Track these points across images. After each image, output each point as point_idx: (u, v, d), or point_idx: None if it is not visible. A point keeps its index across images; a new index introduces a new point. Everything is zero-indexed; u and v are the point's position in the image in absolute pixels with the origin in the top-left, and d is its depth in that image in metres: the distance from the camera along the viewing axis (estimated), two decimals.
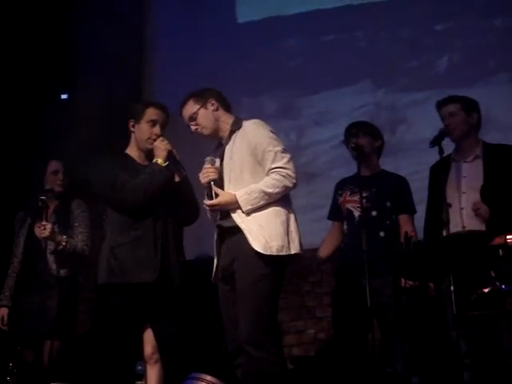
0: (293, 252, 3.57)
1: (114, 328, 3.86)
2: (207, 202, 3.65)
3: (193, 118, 3.78)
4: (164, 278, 3.80)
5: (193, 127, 3.79)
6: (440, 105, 4.22)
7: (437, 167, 4.22)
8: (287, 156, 3.60)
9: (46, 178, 4.66)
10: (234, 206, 3.58)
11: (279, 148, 3.61)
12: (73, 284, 4.49)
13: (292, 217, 3.64)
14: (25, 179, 5.01)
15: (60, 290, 4.36)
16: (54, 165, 4.68)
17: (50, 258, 4.47)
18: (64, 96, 6.31)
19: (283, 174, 3.56)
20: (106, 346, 3.94)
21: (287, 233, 3.58)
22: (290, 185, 3.58)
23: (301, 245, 3.62)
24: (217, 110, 3.77)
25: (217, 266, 3.73)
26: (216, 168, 3.71)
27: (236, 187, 3.62)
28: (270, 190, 3.55)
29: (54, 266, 4.46)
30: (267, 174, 3.59)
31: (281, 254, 3.54)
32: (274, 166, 3.57)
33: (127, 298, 3.78)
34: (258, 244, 3.52)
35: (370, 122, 4.53)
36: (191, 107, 3.78)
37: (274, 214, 3.59)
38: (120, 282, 3.79)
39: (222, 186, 3.67)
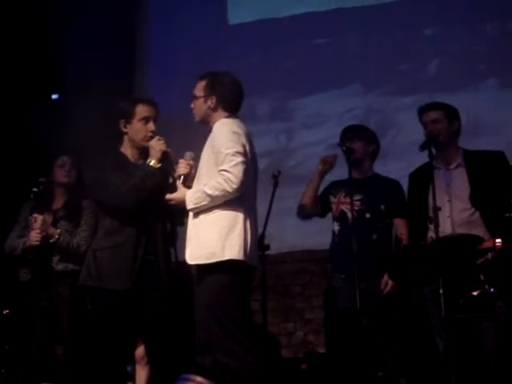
0: (226, 257, 3.46)
1: (93, 329, 3.86)
2: (166, 196, 3.67)
3: (194, 98, 3.77)
4: (148, 284, 3.80)
5: (191, 104, 3.79)
6: (422, 111, 4.21)
7: (418, 174, 4.24)
8: (236, 160, 3.48)
9: (54, 173, 4.63)
10: (184, 203, 3.59)
11: (230, 150, 3.50)
12: (69, 281, 4.44)
13: (241, 221, 3.53)
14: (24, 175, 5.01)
15: (57, 286, 4.40)
16: (61, 159, 4.67)
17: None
18: (54, 96, 6.29)
19: (225, 177, 3.46)
20: (95, 346, 3.93)
21: (226, 238, 3.48)
22: (230, 189, 3.46)
23: (245, 251, 3.49)
24: (214, 110, 3.71)
25: None
26: (189, 163, 3.71)
27: (198, 185, 3.62)
28: (210, 192, 3.49)
29: (54, 260, 4.46)
30: None
31: (210, 261, 3.48)
32: (220, 168, 3.49)
33: (101, 301, 3.79)
34: (188, 253, 3.55)
35: (366, 126, 4.54)
36: (198, 89, 3.76)
37: (216, 218, 3.52)
38: (94, 285, 3.80)
39: None
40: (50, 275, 4.44)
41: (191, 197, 3.56)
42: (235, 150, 3.52)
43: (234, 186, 3.47)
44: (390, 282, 4.12)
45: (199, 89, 3.76)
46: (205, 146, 3.68)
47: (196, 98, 3.76)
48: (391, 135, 5.55)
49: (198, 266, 3.56)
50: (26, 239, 4.45)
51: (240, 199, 3.54)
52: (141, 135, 3.90)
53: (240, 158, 3.51)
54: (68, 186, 4.63)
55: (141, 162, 3.92)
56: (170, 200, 3.68)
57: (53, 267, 4.44)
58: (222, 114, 3.72)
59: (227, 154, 3.50)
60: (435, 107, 4.20)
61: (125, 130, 3.94)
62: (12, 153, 5.63)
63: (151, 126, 3.90)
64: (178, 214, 3.81)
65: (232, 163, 3.48)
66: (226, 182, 3.47)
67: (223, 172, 3.48)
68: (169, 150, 3.87)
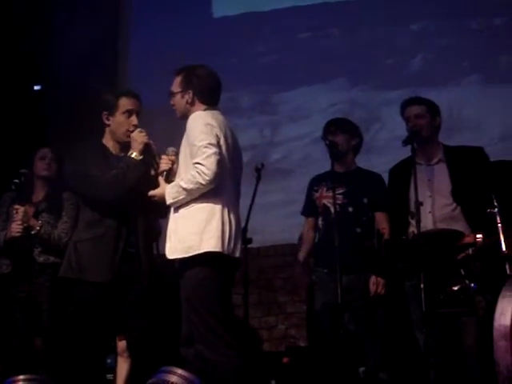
0: (203, 250, 3.47)
1: (73, 322, 3.85)
2: (149, 193, 3.68)
3: (172, 94, 3.77)
4: (128, 276, 3.78)
5: (171, 101, 3.79)
6: (405, 105, 4.20)
7: (398, 170, 4.24)
8: (208, 151, 3.47)
9: (35, 165, 4.62)
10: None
11: (203, 143, 3.49)
12: (50, 273, 4.42)
13: (218, 213, 3.53)
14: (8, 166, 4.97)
15: (38, 278, 4.37)
16: (41, 151, 4.66)
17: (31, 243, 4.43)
18: (37, 87, 6.25)
19: (198, 170, 3.46)
20: (74, 338, 3.91)
21: (203, 231, 3.49)
22: (203, 182, 3.46)
23: (223, 243, 3.50)
24: (191, 104, 3.71)
25: None
26: (171, 159, 3.72)
27: (178, 179, 3.63)
28: (185, 186, 3.50)
29: (36, 252, 4.43)
30: None
31: (189, 255, 3.49)
32: (194, 161, 3.50)
33: (82, 293, 3.77)
34: (168, 248, 3.57)
35: (349, 120, 4.53)
36: (175, 85, 3.75)
37: (194, 211, 3.54)
38: (75, 277, 3.78)
39: None
40: (32, 267, 4.42)
41: (169, 192, 3.57)
42: (207, 141, 3.50)
43: (207, 178, 3.46)
44: (380, 282, 4.12)
45: (175, 85, 3.76)
46: (182, 140, 3.68)
47: (173, 94, 3.75)
48: (375, 130, 5.56)
49: (178, 260, 3.57)
50: (6, 231, 4.43)
51: (217, 191, 3.53)
52: (123, 128, 3.87)
53: (212, 150, 3.49)
54: (48, 179, 4.61)
55: (122, 154, 3.89)
56: (153, 196, 3.68)
57: (35, 259, 4.42)
58: (200, 108, 3.70)
59: (200, 147, 3.49)
60: (418, 102, 4.20)
61: (107, 123, 3.91)
62: None
63: (134, 119, 3.87)
64: (161, 207, 3.80)
65: (204, 155, 3.47)
66: (200, 174, 3.46)
67: (196, 165, 3.47)
68: (151, 141, 3.86)
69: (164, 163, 3.72)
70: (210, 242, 3.49)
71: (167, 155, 3.75)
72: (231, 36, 6.04)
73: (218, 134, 3.58)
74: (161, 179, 3.69)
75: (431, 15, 5.66)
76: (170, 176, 3.70)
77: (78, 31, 5.61)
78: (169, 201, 3.58)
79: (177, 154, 3.73)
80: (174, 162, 3.73)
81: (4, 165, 5.29)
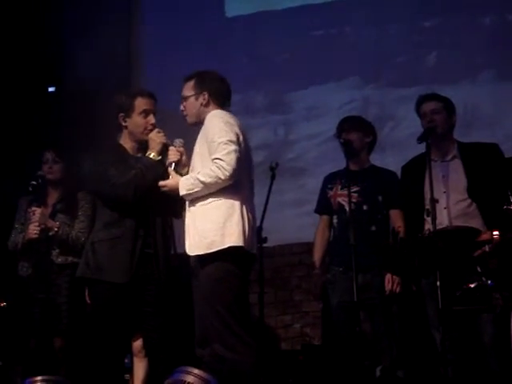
0: (226, 245, 3.49)
1: (91, 321, 3.87)
2: (159, 183, 3.69)
3: (184, 99, 3.78)
4: (146, 277, 3.79)
5: (181, 106, 3.80)
6: (422, 100, 4.19)
7: (412, 166, 4.23)
8: (228, 148, 3.50)
9: (42, 169, 4.64)
10: (177, 190, 3.61)
11: (223, 139, 3.52)
12: (69, 273, 4.43)
13: (237, 209, 3.56)
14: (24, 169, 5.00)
15: (57, 279, 4.40)
16: (44, 155, 4.67)
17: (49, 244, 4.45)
18: (51, 89, 6.28)
19: (218, 165, 3.48)
20: (93, 339, 3.93)
21: (224, 226, 3.51)
22: (222, 177, 3.48)
23: (244, 238, 3.52)
24: (206, 105, 3.73)
25: None
26: (179, 150, 3.74)
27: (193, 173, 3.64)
28: (203, 179, 3.51)
29: (54, 253, 4.46)
30: None
31: (211, 251, 3.51)
32: (213, 156, 3.52)
33: (99, 293, 3.78)
34: (187, 245, 3.58)
35: (363, 117, 4.52)
36: (187, 89, 3.77)
37: (213, 207, 3.56)
38: (92, 277, 3.79)
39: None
40: (50, 268, 4.44)
41: (184, 183, 3.58)
42: (228, 138, 3.53)
43: (227, 174, 3.48)
44: (395, 280, 4.11)
45: (188, 88, 3.77)
46: (198, 137, 3.69)
47: (186, 98, 3.76)
48: (389, 128, 5.54)
49: (198, 256, 3.57)
50: (24, 233, 4.45)
51: (235, 188, 3.55)
52: (141, 129, 3.87)
53: (233, 147, 3.52)
54: (54, 182, 4.63)
55: (140, 154, 3.90)
56: (163, 186, 3.68)
57: (53, 260, 4.44)
58: (215, 109, 3.72)
59: (220, 143, 3.52)
60: (436, 98, 4.19)
61: (124, 124, 3.89)
62: (7, 147, 5.63)
63: (151, 118, 3.87)
64: (177, 207, 3.81)
65: (225, 151, 3.50)
66: (219, 169, 3.48)
67: (216, 160, 3.49)
68: (169, 142, 3.86)
69: (172, 154, 3.73)
70: (232, 237, 3.51)
71: (175, 147, 3.76)
72: (244, 35, 6.04)
73: (238, 132, 3.61)
74: (171, 170, 3.70)
75: (445, 12, 5.63)
76: (178, 167, 3.73)
77: (91, 33, 5.63)
78: (182, 192, 3.58)
79: (184, 145, 3.74)
80: (183, 154, 3.75)
81: (19, 167, 5.32)
